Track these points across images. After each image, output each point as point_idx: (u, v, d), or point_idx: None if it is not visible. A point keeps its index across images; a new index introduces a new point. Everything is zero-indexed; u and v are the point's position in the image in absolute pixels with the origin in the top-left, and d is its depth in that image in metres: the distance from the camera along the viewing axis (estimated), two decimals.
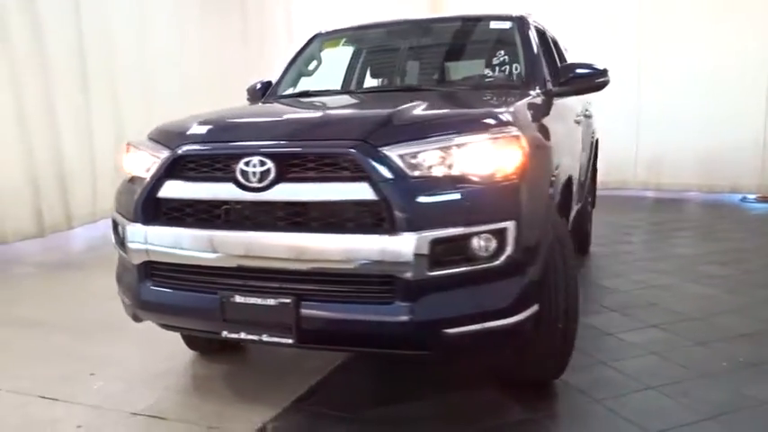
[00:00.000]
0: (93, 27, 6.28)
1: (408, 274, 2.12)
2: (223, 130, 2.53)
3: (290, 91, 3.72)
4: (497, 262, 2.20)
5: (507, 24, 3.60)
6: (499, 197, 2.23)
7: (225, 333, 2.37)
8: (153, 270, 2.51)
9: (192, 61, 7.35)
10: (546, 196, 2.44)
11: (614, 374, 2.96)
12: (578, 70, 3.34)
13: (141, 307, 2.56)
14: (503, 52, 3.53)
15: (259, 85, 3.92)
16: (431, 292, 2.17)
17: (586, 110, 5.00)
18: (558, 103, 3.47)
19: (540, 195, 2.41)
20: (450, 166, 2.22)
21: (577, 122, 4.18)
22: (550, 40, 4.28)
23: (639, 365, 3.04)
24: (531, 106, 2.79)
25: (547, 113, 3.04)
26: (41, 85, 5.82)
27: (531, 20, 3.72)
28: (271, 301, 2.26)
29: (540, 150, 2.52)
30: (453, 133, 2.26)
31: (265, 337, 2.31)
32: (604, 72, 3.39)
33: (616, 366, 3.04)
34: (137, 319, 2.66)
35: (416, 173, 2.19)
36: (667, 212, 7.69)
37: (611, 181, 8.91)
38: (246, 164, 2.28)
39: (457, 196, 2.18)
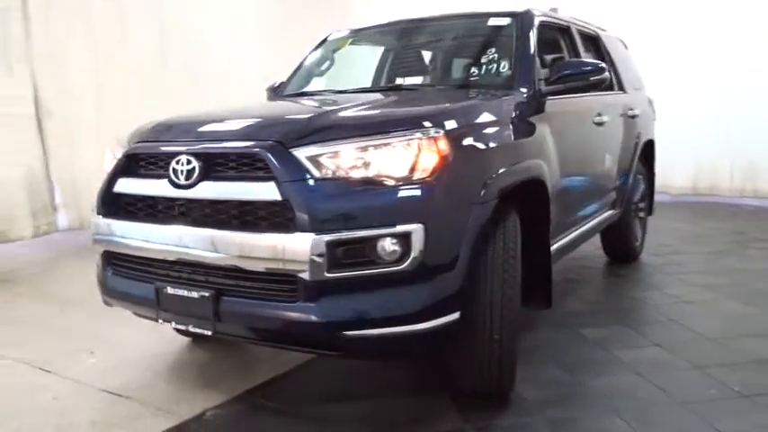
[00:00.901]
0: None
1: (306, 275, 2.15)
2: (168, 129, 2.67)
3: (292, 90, 3.82)
4: (402, 267, 2.16)
5: (506, 21, 3.47)
6: (405, 200, 2.19)
7: (161, 320, 2.52)
8: (112, 260, 2.72)
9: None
10: (472, 202, 2.34)
11: (579, 391, 2.79)
12: (568, 68, 3.17)
13: (105, 293, 2.78)
14: (494, 50, 3.41)
15: (277, 84, 4.08)
16: (331, 293, 2.18)
17: (630, 109, 4.68)
18: (557, 102, 3.31)
19: (464, 201, 2.33)
20: (358, 168, 2.21)
21: (599, 124, 3.93)
22: (577, 36, 4.06)
23: (614, 384, 2.85)
24: (481, 107, 2.70)
25: (519, 114, 2.92)
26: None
27: (540, 16, 3.55)
28: (195, 294, 2.38)
29: (473, 154, 2.43)
30: (364, 135, 2.25)
31: (191, 327, 2.43)
32: (598, 69, 3.19)
33: (587, 383, 2.86)
34: (107, 303, 2.88)
35: (323, 174, 2.20)
36: (754, 222, 6.97)
37: (700, 187, 8.25)
38: (177, 162, 2.41)
39: (360, 199, 2.18)
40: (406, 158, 2.22)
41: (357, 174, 2.21)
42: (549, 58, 3.58)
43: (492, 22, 3.57)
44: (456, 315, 2.30)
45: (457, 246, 2.29)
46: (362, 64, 3.97)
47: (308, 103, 3.26)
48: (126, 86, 6.74)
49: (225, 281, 2.34)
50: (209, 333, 2.38)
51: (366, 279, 2.17)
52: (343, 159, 2.22)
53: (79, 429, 2.57)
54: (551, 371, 3.01)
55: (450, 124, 2.36)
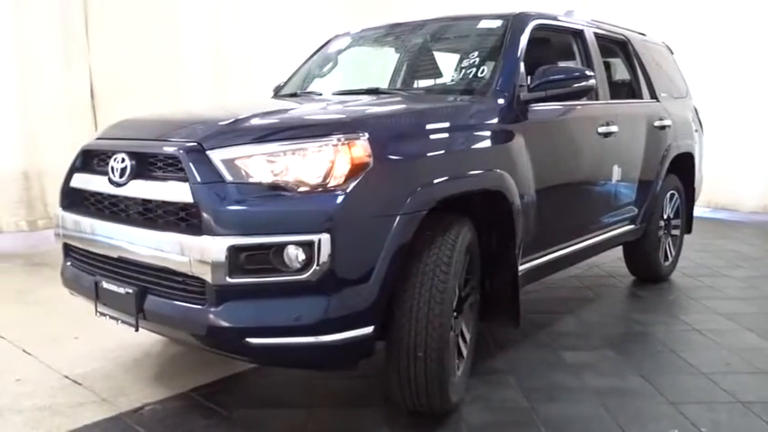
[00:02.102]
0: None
1: (209, 278, 2.13)
2: (119, 128, 2.74)
3: (288, 91, 3.82)
4: (305, 276, 2.10)
5: (497, 24, 3.30)
6: (313, 208, 2.13)
7: (98, 313, 2.58)
8: (69, 251, 2.82)
9: None
10: (394, 212, 2.24)
11: (528, 420, 2.62)
12: (548, 75, 2.98)
13: (64, 283, 2.89)
14: (479, 54, 3.25)
15: (283, 84, 4.11)
16: (236, 298, 2.15)
17: (659, 119, 4.35)
18: (544, 111, 3.13)
19: (383, 211, 2.23)
20: (270, 173, 2.17)
21: (606, 134, 3.67)
22: (594, 40, 3.81)
23: (571, 415, 2.65)
24: (423, 113, 2.59)
25: (485, 121, 2.78)
26: None
27: (537, 18, 3.35)
28: (122, 290, 2.42)
29: (398, 162, 2.32)
30: (279, 140, 2.22)
31: (120, 322, 2.48)
32: (583, 76, 2.98)
33: (541, 412, 2.68)
34: (71, 293, 2.99)
35: (236, 178, 2.18)
36: None
37: (762, 205, 7.58)
38: (114, 160, 2.46)
39: (267, 204, 2.14)
40: (318, 165, 2.16)
41: (269, 178, 2.17)
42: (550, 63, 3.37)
43: (483, 24, 3.42)
44: (369, 329, 2.21)
45: (373, 257, 2.20)
46: (361, 66, 3.91)
47: (254, 104, 3.19)
48: (176, 82, 7.03)
49: (148, 279, 2.37)
50: (134, 329, 2.41)
51: (270, 286, 2.13)
52: (257, 163, 2.19)
53: (24, 413, 2.68)
54: (508, 394, 2.84)
55: (373, 130, 2.26)
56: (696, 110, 5.15)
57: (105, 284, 2.50)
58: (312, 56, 4.07)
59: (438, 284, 2.36)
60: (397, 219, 2.25)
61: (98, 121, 6.62)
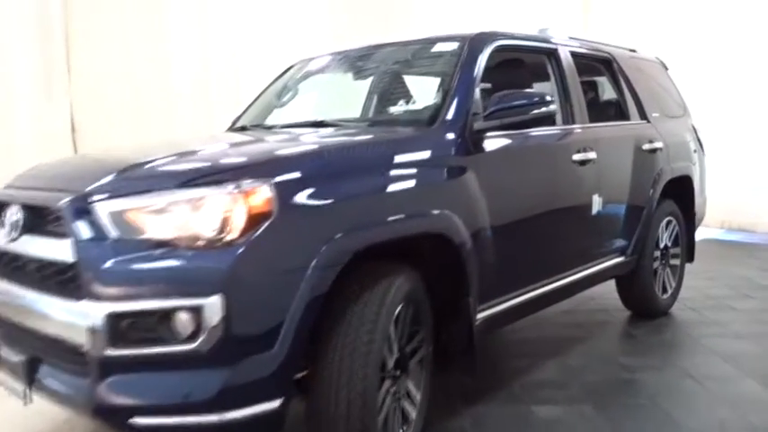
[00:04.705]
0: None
1: (87, 349, 1.88)
2: (24, 175, 2.52)
3: (242, 123, 3.58)
4: (193, 346, 1.83)
5: (452, 47, 3.02)
6: (202, 267, 1.86)
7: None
8: None
9: None
10: (303, 267, 1.96)
11: None
12: (500, 102, 2.69)
13: None
14: (431, 80, 2.99)
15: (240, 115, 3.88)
16: (118, 372, 1.89)
17: (649, 141, 4.02)
18: (503, 140, 2.85)
19: (290, 266, 1.96)
20: (159, 228, 1.92)
21: (582, 162, 3.34)
22: (571, 59, 3.51)
23: None
24: (343, 152, 2.32)
25: (427, 155, 2.50)
26: None
27: (499, 39, 3.07)
28: (16, 358, 2.18)
29: (309, 210, 2.04)
30: (172, 188, 1.96)
31: (12, 393, 2.23)
32: (542, 102, 2.69)
33: None
34: None
35: (123, 233, 1.92)
36: None
37: None
38: (8, 212, 2.23)
39: (153, 264, 1.88)
40: (212, 217, 1.90)
41: (158, 234, 1.91)
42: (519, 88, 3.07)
43: (438, 48, 3.15)
44: (275, 403, 1.93)
45: (277, 320, 1.92)
46: (316, 95, 3.66)
47: (168, 146, 2.85)
48: (162, 118, 6.85)
49: (40, 346, 2.12)
50: (23, 401, 2.16)
51: (157, 359, 1.87)
52: (146, 217, 1.93)
53: None
54: None
55: (278, 175, 2.00)
56: (695, 129, 4.80)
57: (3, 350, 2.26)
58: (270, 84, 3.83)
59: (361, 347, 2.07)
60: (308, 274, 1.98)
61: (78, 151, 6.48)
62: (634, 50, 4.54)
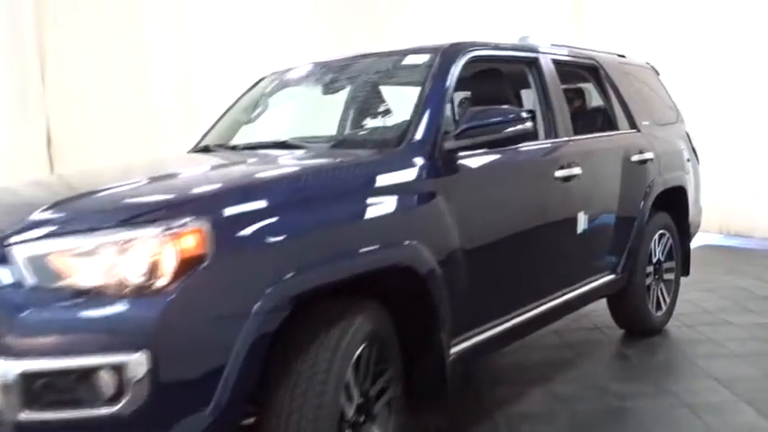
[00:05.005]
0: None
1: (2, 413, 1.67)
2: None
3: (208, 142, 3.37)
4: (116, 408, 1.63)
5: (423, 59, 2.83)
6: (126, 319, 1.66)
7: None
8: None
9: None
10: (244, 314, 1.76)
11: None
12: (471, 120, 2.50)
13: None
14: (400, 96, 2.79)
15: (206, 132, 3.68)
16: None
17: (638, 152, 3.82)
18: (479, 159, 2.65)
19: (229, 314, 1.76)
20: (81, 274, 1.72)
21: (566, 178, 3.14)
22: (553, 68, 3.31)
23: None
24: (293, 181, 2.13)
25: (392, 180, 2.31)
26: None
27: (473, 50, 2.87)
28: None
29: (253, 249, 1.84)
30: (96, 230, 1.76)
31: None
32: (517, 118, 2.49)
33: None
34: None
35: (41, 280, 1.72)
36: None
37: None
38: None
39: (72, 314, 1.69)
40: (138, 262, 1.70)
41: (80, 281, 1.71)
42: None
43: (408, 60, 2.95)
44: None
45: (213, 376, 1.72)
46: (283, 111, 3.46)
47: (108, 174, 2.67)
48: (142, 131, 6.64)
49: None
50: None
51: (75, 424, 1.66)
52: (67, 261, 1.73)
53: None
54: None
55: (216, 213, 1.80)
56: (689, 136, 4.60)
57: None
58: (239, 99, 3.63)
59: (312, 399, 1.87)
60: (250, 321, 1.77)
61: (55, 172, 6.27)
62: (623, 56, 4.34)
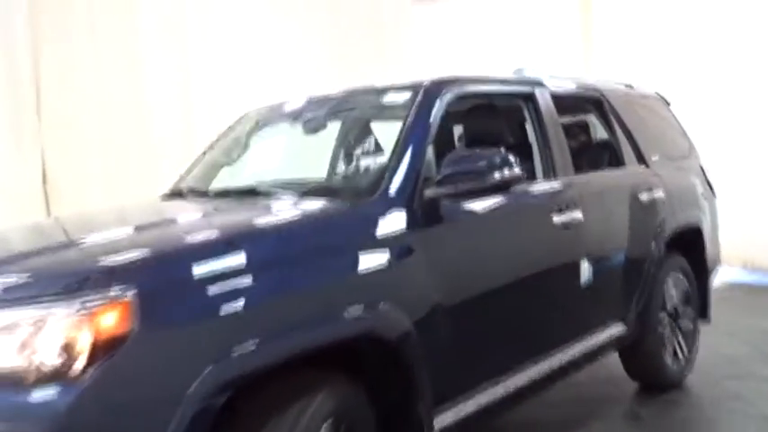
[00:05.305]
0: None
1: None
2: None
3: (183, 185, 3.14)
4: None
5: (403, 97, 2.59)
6: (30, 411, 1.43)
7: None
8: None
9: None
10: (173, 402, 1.51)
11: None
12: (460, 165, 2.25)
13: None
14: (377, 138, 2.56)
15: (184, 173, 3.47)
16: None
17: (647, 189, 3.54)
18: (465, 207, 2.40)
19: (156, 401, 1.51)
20: None
21: (566, 225, 2.87)
22: (551, 103, 3.06)
23: None
24: (249, 240, 1.86)
25: (360, 236, 2.06)
26: None
27: (459, 85, 2.64)
28: None
29: (189, 325, 1.60)
30: (6, 305, 1.52)
31: None
32: (504, 163, 2.24)
33: None
34: None
35: None
36: None
37: None
38: None
39: None
40: (50, 344, 1.46)
41: None
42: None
43: (389, 98, 2.72)
44: None
45: None
46: (262, 153, 3.23)
47: (43, 233, 2.46)
48: (141, 167, 6.49)
49: None
50: None
51: None
52: None
53: None
54: None
55: (144, 284, 1.56)
56: (704, 170, 4.30)
57: None
58: (219, 138, 3.42)
59: None
60: (182, 408, 1.52)
61: (51, 209, 6.12)
62: (630, 86, 4.09)
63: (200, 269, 1.66)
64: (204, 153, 3.38)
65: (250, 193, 2.59)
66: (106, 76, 6.28)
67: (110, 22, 6.22)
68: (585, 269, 2.99)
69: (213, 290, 1.65)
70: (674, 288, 3.77)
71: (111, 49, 6.26)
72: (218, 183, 3.06)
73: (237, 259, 1.74)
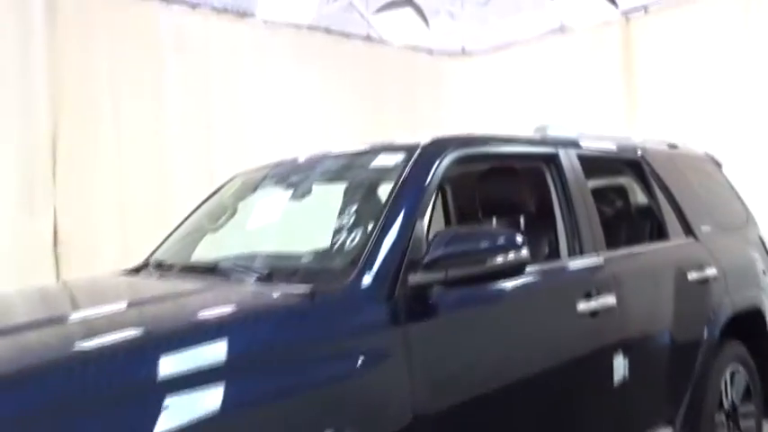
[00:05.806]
0: None
1: None
2: None
3: (159, 256, 2.78)
4: None
5: (395, 160, 2.18)
6: None
7: None
8: None
9: None
10: None
11: None
12: (452, 246, 1.81)
13: None
14: (363, 208, 2.15)
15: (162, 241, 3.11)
16: None
17: (697, 267, 3.02)
18: (460, 295, 1.95)
19: None
20: None
21: (593, 313, 2.36)
22: (578, 165, 2.62)
23: None
24: (163, 349, 1.44)
25: (327, 336, 1.64)
26: None
27: (462, 147, 2.23)
28: None
29: None
30: None
31: None
32: (510, 244, 1.80)
33: None
34: None
35: None
36: None
37: None
38: None
39: None
40: None
41: None
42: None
43: (379, 161, 2.32)
44: None
45: None
46: (243, 220, 2.85)
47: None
48: (156, 231, 6.20)
49: None
50: None
51: None
52: None
53: None
54: None
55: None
56: (764, 242, 3.74)
57: None
58: (203, 203, 3.08)
59: None
60: None
61: (61, 272, 5.87)
62: (674, 145, 3.61)
63: (99, 391, 1.25)
64: (185, 219, 3.04)
65: (210, 271, 2.19)
66: (125, 139, 6.12)
67: (131, 85, 6.11)
68: (620, 365, 2.46)
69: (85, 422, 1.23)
70: (731, 383, 3.18)
71: (131, 111, 6.12)
72: (199, 253, 2.70)
73: (137, 379, 1.32)
